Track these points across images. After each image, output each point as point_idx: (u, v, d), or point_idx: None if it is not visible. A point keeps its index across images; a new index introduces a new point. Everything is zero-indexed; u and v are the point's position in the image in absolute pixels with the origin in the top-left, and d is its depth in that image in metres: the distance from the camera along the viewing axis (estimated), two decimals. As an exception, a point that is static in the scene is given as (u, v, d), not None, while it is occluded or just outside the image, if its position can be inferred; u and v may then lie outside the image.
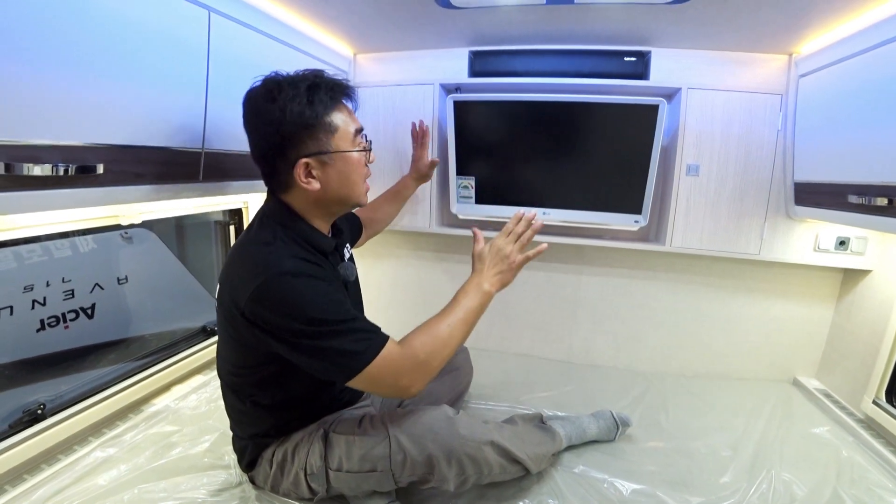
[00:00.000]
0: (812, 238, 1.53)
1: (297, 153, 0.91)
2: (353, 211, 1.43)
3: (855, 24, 1.13)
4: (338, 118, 0.94)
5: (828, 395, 1.58)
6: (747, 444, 1.32)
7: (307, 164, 0.92)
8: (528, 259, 1.07)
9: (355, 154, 0.97)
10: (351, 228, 1.37)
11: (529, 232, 1.08)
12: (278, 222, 0.96)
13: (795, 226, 1.53)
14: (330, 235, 1.07)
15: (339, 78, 0.97)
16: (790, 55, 1.44)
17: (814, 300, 1.70)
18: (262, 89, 0.91)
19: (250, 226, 1.00)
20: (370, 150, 1.02)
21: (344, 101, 0.97)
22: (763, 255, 1.56)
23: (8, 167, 0.73)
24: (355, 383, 0.88)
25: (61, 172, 0.79)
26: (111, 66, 0.86)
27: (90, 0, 0.80)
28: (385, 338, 0.90)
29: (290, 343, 0.86)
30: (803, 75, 1.38)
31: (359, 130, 0.99)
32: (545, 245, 1.08)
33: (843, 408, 1.50)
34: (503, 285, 1.06)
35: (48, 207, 0.83)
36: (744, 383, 1.72)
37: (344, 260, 1.10)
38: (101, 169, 0.86)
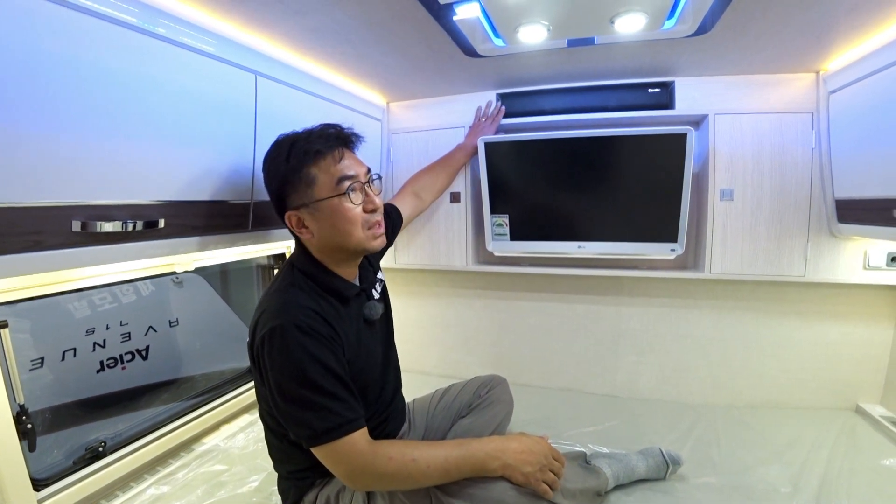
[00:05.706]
0: (860, 256, 1.47)
1: (285, 207, 0.98)
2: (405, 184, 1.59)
3: (882, 37, 1.12)
4: (317, 169, 0.95)
5: (896, 424, 1.48)
6: (809, 479, 1.24)
7: (297, 217, 0.98)
8: (545, 479, 0.99)
9: (340, 201, 0.95)
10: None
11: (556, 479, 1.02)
12: (300, 269, 1.00)
13: (841, 244, 1.47)
14: (357, 277, 1.10)
15: (332, 129, 0.98)
16: (817, 73, 1.43)
17: (871, 321, 1.61)
18: (266, 154, 1.01)
19: (280, 271, 1.05)
20: (350, 191, 0.95)
21: (341, 149, 0.97)
22: (809, 277, 1.51)
23: (84, 225, 0.81)
24: (314, 452, 0.90)
25: (129, 228, 0.88)
26: (172, 131, 0.96)
27: (154, 74, 0.90)
28: (354, 429, 0.89)
29: (272, 392, 0.90)
30: (833, 91, 1.37)
31: (345, 177, 0.96)
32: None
33: (915, 437, 1.39)
34: (514, 470, 0.97)
35: (117, 260, 0.91)
36: (801, 412, 1.62)
37: (371, 299, 1.12)
38: (162, 223, 0.95)
